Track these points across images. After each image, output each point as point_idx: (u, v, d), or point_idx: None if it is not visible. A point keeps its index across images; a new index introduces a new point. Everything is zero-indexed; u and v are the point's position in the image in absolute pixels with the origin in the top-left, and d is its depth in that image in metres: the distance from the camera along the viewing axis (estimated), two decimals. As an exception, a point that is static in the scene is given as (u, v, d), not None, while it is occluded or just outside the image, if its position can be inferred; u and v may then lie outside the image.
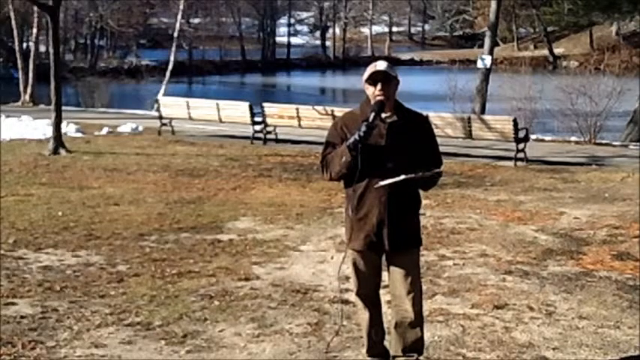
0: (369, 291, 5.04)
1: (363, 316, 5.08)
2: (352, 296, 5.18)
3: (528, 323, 6.20)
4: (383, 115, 4.83)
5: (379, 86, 4.81)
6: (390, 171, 4.77)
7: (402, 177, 4.74)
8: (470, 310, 6.48)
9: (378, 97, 4.81)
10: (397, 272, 4.94)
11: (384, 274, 5.09)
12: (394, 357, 5.09)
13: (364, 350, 5.19)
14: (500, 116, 18.31)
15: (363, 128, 4.72)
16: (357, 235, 4.91)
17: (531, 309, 6.54)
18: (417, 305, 4.96)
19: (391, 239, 4.86)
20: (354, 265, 5.00)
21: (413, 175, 4.75)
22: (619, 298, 6.89)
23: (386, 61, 5.02)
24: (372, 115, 4.75)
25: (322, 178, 5.09)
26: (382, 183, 4.78)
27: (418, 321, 5.00)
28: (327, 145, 4.96)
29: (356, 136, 4.74)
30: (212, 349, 5.62)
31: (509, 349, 5.67)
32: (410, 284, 4.92)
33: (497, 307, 6.53)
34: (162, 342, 5.71)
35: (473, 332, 5.98)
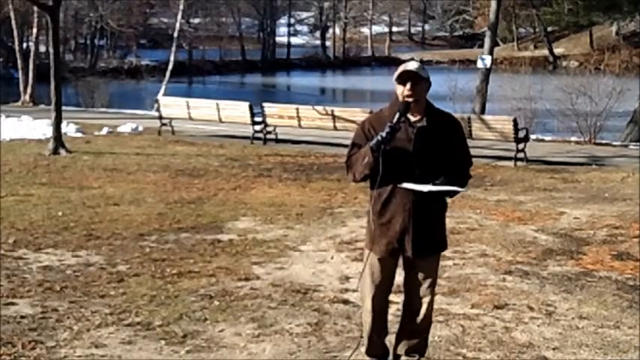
0: (380, 296, 4.99)
1: (368, 319, 5.02)
2: (364, 298, 5.09)
3: (528, 323, 6.20)
4: (412, 119, 4.75)
5: (408, 86, 4.71)
6: (417, 177, 4.70)
7: (427, 189, 4.67)
8: (470, 310, 6.47)
9: (406, 98, 4.72)
10: (415, 276, 4.92)
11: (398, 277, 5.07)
12: (397, 356, 5.08)
13: (363, 349, 5.17)
14: (500, 116, 18.33)
15: (387, 129, 4.65)
16: (380, 241, 4.85)
17: (531, 309, 6.53)
18: (429, 309, 4.96)
19: (414, 247, 4.81)
20: (372, 270, 4.93)
21: (437, 189, 4.68)
22: (619, 298, 6.89)
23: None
24: (397, 116, 4.68)
25: (347, 179, 5.04)
26: (406, 185, 4.71)
27: (427, 324, 5.00)
28: (352, 145, 4.90)
29: (379, 137, 4.66)
30: (212, 349, 5.62)
31: (509, 349, 5.67)
32: (426, 289, 4.92)
33: (497, 307, 6.53)
34: (162, 342, 5.71)
35: (473, 332, 5.98)
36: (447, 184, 4.72)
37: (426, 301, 4.93)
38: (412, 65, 4.80)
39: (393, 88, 4.85)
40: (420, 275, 4.91)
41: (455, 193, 4.87)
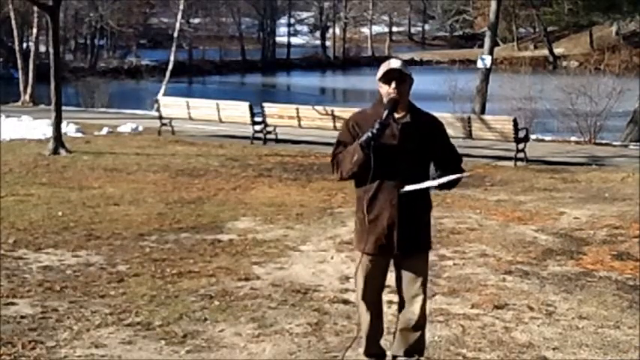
0: (374, 294, 5.01)
1: (365, 317, 5.05)
2: (354, 297, 5.14)
3: (528, 323, 6.20)
4: (396, 116, 4.78)
5: (393, 85, 4.74)
6: (403, 172, 4.73)
7: (433, 183, 4.70)
8: (470, 310, 6.48)
9: (392, 96, 4.75)
10: (406, 276, 4.92)
11: (389, 276, 5.08)
12: (395, 357, 5.08)
13: (361, 350, 5.17)
14: (500, 116, 18.33)
15: (377, 126, 4.67)
16: (368, 238, 4.86)
17: (531, 309, 6.54)
18: (422, 308, 4.95)
19: (401, 242, 4.82)
20: (363, 269, 4.95)
21: (441, 181, 4.72)
22: (619, 298, 6.89)
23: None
24: (386, 113, 4.71)
25: (333, 177, 5.05)
26: (408, 188, 4.72)
27: (422, 323, 5.00)
28: (338, 144, 4.92)
29: (369, 134, 4.68)
30: (212, 349, 5.62)
31: (509, 349, 5.67)
32: (418, 288, 4.92)
33: (497, 307, 6.53)
34: (162, 342, 5.71)
35: (473, 332, 5.98)
36: (444, 176, 4.76)
37: (418, 300, 4.92)
38: (395, 63, 4.82)
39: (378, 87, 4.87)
40: (410, 275, 4.92)
41: (453, 185, 4.90)
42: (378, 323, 5.09)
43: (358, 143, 4.72)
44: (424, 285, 4.97)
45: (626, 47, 49.13)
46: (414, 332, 4.99)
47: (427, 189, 4.85)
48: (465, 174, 4.91)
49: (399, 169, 4.75)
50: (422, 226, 4.95)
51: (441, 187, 4.86)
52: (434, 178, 4.75)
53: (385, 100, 4.78)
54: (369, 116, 4.83)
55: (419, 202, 4.86)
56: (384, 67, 4.81)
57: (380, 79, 4.80)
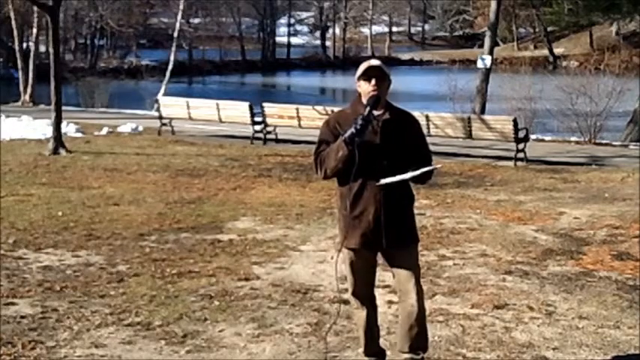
0: (364, 289, 5.04)
1: (360, 314, 5.08)
2: (348, 296, 5.16)
3: (528, 323, 6.20)
4: (376, 113, 4.83)
5: (373, 82, 4.80)
6: (386, 168, 4.78)
7: (409, 175, 4.74)
8: (470, 310, 6.48)
9: (373, 93, 4.81)
10: (400, 270, 4.94)
11: (387, 274, 5.08)
12: (400, 352, 5.07)
13: (361, 350, 5.18)
14: (500, 116, 18.34)
15: (360, 121, 4.72)
16: (353, 234, 4.91)
17: (531, 309, 6.54)
18: (420, 302, 4.96)
19: (388, 236, 4.85)
20: (350, 264, 5.00)
21: (416, 173, 4.75)
22: (619, 298, 6.89)
23: (381, 60, 5.03)
24: (368, 109, 4.76)
25: (316, 175, 5.09)
26: (384, 181, 4.76)
27: (423, 317, 5.01)
28: (320, 142, 4.96)
29: (352, 130, 4.73)
30: (212, 349, 5.62)
31: (509, 349, 5.67)
32: (414, 280, 4.93)
33: (497, 307, 6.53)
34: (162, 342, 5.71)
35: (473, 332, 5.98)
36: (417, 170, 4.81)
37: (416, 292, 4.92)
38: (376, 62, 4.90)
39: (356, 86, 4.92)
40: (403, 270, 4.93)
41: (427, 178, 4.93)
42: (372, 318, 5.09)
43: (342, 140, 4.76)
44: (417, 278, 4.98)
45: (626, 47, 49.08)
46: (416, 326, 4.97)
47: (407, 182, 4.87)
48: (436, 166, 4.91)
49: (382, 165, 4.79)
50: (406, 220, 4.97)
51: (414, 180, 4.88)
52: (408, 172, 4.78)
53: (365, 98, 4.83)
54: (349, 115, 4.90)
55: (402, 195, 4.90)
56: (364, 65, 4.88)
57: (360, 77, 4.85)
